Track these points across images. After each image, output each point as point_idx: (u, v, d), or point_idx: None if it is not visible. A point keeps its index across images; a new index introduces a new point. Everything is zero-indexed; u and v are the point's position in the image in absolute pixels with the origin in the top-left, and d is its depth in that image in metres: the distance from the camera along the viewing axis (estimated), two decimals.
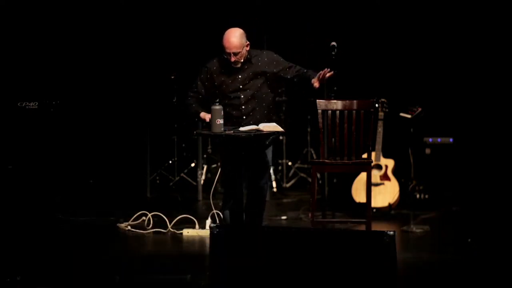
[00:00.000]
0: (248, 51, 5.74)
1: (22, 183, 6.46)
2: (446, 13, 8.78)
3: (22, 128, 6.53)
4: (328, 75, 5.63)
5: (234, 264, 4.02)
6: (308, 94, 7.61)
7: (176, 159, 9.13)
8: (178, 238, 6.73)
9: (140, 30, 9.31)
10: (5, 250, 5.78)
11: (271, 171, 8.90)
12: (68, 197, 8.07)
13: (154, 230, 6.90)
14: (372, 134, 6.56)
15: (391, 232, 3.82)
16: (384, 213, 7.62)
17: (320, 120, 6.20)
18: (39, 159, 6.57)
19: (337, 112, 6.18)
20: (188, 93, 5.87)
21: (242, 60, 5.71)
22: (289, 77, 5.84)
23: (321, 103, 6.22)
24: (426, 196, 8.28)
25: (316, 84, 5.69)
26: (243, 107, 5.75)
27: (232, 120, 5.72)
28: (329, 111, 6.19)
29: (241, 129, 5.53)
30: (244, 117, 5.75)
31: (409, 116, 7.54)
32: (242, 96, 5.75)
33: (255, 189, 5.89)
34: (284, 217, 7.56)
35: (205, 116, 5.70)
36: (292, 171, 9.41)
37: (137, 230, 6.92)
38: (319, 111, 6.20)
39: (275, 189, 9.01)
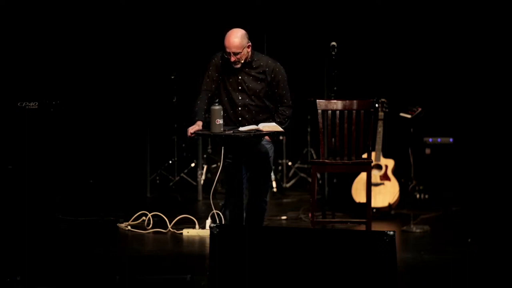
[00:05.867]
0: (251, 54, 5.73)
1: (22, 183, 6.45)
2: (446, 13, 8.78)
3: (22, 128, 6.52)
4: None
5: (234, 264, 4.02)
6: (308, 94, 7.63)
7: (176, 159, 9.14)
8: (178, 238, 6.73)
9: (140, 30, 9.31)
10: (5, 250, 5.77)
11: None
12: (68, 197, 8.07)
13: (154, 230, 6.90)
14: (372, 134, 6.57)
15: (391, 232, 3.82)
16: (384, 213, 7.62)
17: (320, 120, 6.20)
18: (39, 159, 6.56)
19: (337, 112, 6.18)
20: (200, 90, 5.84)
21: (242, 61, 5.69)
22: (271, 100, 5.81)
23: (321, 103, 6.22)
24: (426, 196, 8.28)
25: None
26: (239, 108, 5.75)
27: (229, 120, 5.72)
28: (329, 111, 6.19)
29: (241, 129, 5.54)
30: (240, 118, 5.75)
31: (409, 116, 7.54)
32: (240, 98, 5.74)
33: (256, 191, 5.88)
34: (284, 217, 7.56)
35: (189, 129, 5.62)
36: (292, 171, 9.41)
37: (137, 230, 6.92)
38: (319, 111, 6.20)
39: (275, 189, 9.01)
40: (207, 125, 5.63)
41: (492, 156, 8.59)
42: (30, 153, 6.52)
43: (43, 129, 6.57)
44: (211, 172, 8.98)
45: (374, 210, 7.48)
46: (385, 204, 7.64)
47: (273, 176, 8.97)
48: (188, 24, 9.35)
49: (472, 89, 8.76)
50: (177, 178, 9.12)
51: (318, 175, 7.30)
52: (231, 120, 5.75)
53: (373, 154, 7.52)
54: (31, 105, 6.53)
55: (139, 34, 9.32)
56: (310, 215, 6.55)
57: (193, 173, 8.99)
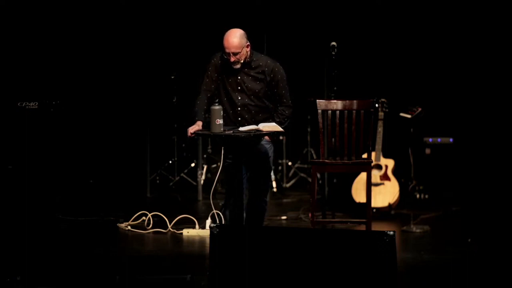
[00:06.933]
0: (250, 54, 5.72)
1: (22, 183, 6.45)
2: (446, 13, 8.78)
3: (22, 128, 6.52)
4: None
5: (234, 264, 4.02)
6: (308, 94, 7.63)
7: (176, 159, 9.14)
8: (178, 238, 6.73)
9: (140, 30, 9.31)
10: (5, 250, 5.77)
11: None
12: (68, 197, 8.07)
13: (154, 230, 6.90)
14: (372, 134, 6.57)
15: (391, 232, 3.82)
16: (384, 213, 7.62)
17: (320, 120, 6.20)
18: (39, 159, 6.56)
19: (337, 112, 6.18)
20: (199, 90, 5.84)
21: (242, 61, 5.70)
22: (270, 100, 5.80)
23: (321, 103, 6.22)
24: (426, 196, 8.28)
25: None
26: (239, 108, 5.75)
27: (229, 120, 5.72)
28: (329, 111, 6.19)
29: (241, 129, 5.54)
30: (240, 118, 5.75)
31: (409, 116, 7.54)
32: (239, 98, 5.75)
33: (256, 191, 5.88)
34: (284, 217, 7.56)
35: (189, 129, 5.63)
36: (292, 171, 9.41)
37: (137, 230, 6.93)
38: (319, 111, 6.20)
39: (275, 189, 9.01)
40: (207, 125, 5.63)
41: (492, 156, 8.59)
42: (30, 153, 6.52)
43: (43, 129, 6.57)
44: (211, 172, 8.98)
45: (374, 210, 7.48)
46: (385, 204, 7.64)
47: (273, 176, 8.97)
48: (188, 24, 9.35)
49: (472, 89, 8.76)
50: (177, 178, 9.12)
51: (318, 175, 7.30)
52: (231, 120, 5.76)
53: (373, 154, 7.52)
54: (31, 105, 6.53)
55: (139, 34, 9.32)
56: (310, 215, 6.55)
57: (193, 173, 8.99)
